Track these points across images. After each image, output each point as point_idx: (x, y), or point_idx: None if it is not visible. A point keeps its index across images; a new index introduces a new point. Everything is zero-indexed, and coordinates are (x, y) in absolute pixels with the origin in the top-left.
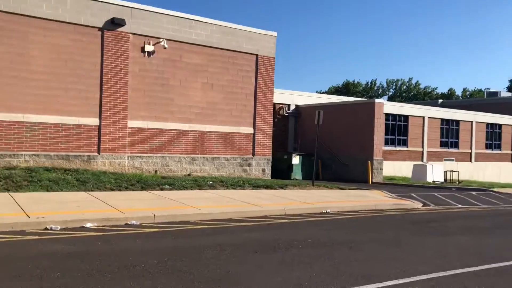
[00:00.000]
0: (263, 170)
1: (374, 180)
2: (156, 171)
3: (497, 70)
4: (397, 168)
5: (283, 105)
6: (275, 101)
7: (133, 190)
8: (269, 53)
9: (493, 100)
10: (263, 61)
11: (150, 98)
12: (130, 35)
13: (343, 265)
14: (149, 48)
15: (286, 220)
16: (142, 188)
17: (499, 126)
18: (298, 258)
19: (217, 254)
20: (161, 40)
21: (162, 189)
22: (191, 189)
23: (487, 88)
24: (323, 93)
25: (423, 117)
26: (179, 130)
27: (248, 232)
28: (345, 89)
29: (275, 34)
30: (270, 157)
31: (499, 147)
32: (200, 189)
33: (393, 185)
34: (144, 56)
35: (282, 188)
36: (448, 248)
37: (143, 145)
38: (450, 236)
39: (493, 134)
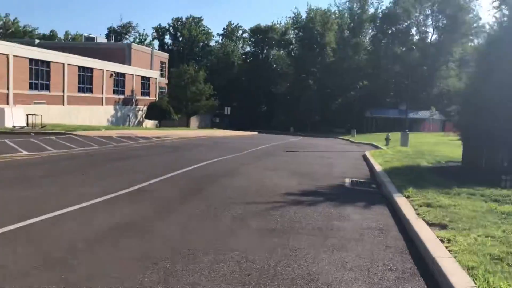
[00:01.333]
0: None
1: None
2: None
3: (100, 18)
4: None
5: None
6: None
7: None
8: None
9: (91, 45)
10: None
11: None
12: None
13: None
14: None
15: None
16: None
17: (91, 70)
18: None
19: None
20: None
21: None
22: None
23: (89, 33)
24: None
25: (8, 55)
26: None
27: None
28: None
29: None
30: None
31: (91, 90)
32: None
33: None
34: None
35: None
36: None
37: None
38: None
39: (86, 78)
